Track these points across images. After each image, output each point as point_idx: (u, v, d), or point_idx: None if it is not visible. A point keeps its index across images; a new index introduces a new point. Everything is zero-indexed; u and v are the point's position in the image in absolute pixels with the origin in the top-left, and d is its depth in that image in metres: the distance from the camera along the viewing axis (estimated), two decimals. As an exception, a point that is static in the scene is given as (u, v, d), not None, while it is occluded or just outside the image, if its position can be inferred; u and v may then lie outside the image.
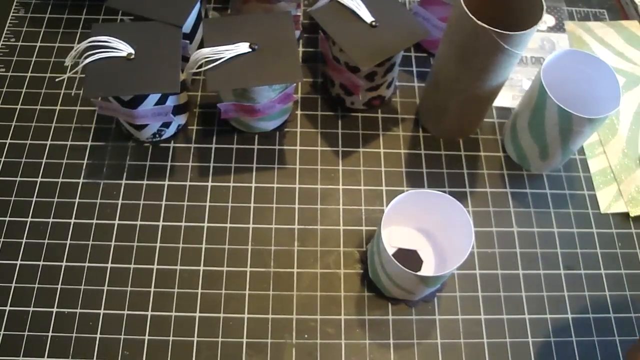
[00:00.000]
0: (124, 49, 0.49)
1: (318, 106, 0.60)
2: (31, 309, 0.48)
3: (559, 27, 0.68)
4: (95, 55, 0.49)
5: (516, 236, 0.54)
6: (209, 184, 0.55)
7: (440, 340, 0.49)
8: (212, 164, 0.56)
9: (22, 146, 0.56)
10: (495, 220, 0.55)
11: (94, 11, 0.65)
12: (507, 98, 0.62)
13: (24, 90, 0.59)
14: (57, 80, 0.60)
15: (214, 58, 0.49)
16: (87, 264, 0.50)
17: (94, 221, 0.52)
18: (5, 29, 0.63)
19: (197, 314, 0.49)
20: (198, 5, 0.55)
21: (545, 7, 0.45)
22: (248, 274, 0.51)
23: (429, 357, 0.48)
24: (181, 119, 0.57)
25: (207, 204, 0.54)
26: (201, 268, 0.51)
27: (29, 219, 0.52)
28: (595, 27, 0.68)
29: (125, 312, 0.49)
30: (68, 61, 0.50)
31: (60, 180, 0.54)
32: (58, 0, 0.66)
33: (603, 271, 0.53)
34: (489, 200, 0.56)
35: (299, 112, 0.60)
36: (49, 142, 0.56)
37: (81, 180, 0.54)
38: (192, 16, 0.55)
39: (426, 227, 0.52)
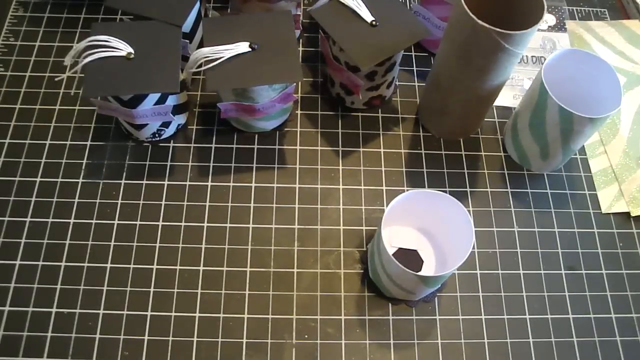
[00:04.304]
0: (123, 49, 0.49)
1: (318, 106, 0.60)
2: (30, 309, 0.48)
3: (559, 27, 0.68)
4: (95, 55, 0.48)
5: (517, 236, 0.54)
6: (209, 183, 0.55)
7: (441, 340, 0.49)
8: (211, 164, 0.56)
9: (22, 146, 0.56)
10: (496, 220, 0.55)
11: (94, 10, 0.65)
12: (508, 97, 0.62)
13: (23, 89, 0.59)
14: (56, 79, 0.60)
15: (213, 57, 0.48)
16: (86, 264, 0.50)
17: (94, 221, 0.52)
18: (4, 28, 0.63)
19: (197, 314, 0.49)
20: (198, 4, 0.55)
21: (546, 7, 0.45)
22: (248, 274, 0.51)
23: (429, 357, 0.48)
24: (181, 119, 0.57)
25: (207, 203, 0.54)
26: (201, 268, 0.51)
27: (28, 219, 0.52)
28: (596, 26, 0.68)
29: (125, 312, 0.48)
30: (67, 60, 0.50)
31: (59, 180, 0.54)
32: (57, 0, 0.66)
33: (604, 271, 0.53)
34: (490, 200, 0.56)
35: (299, 112, 0.60)
36: (48, 142, 0.56)
37: (80, 180, 0.54)
38: (191, 15, 0.55)
39: (426, 227, 0.52)
